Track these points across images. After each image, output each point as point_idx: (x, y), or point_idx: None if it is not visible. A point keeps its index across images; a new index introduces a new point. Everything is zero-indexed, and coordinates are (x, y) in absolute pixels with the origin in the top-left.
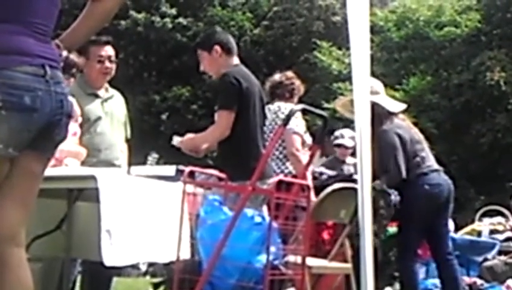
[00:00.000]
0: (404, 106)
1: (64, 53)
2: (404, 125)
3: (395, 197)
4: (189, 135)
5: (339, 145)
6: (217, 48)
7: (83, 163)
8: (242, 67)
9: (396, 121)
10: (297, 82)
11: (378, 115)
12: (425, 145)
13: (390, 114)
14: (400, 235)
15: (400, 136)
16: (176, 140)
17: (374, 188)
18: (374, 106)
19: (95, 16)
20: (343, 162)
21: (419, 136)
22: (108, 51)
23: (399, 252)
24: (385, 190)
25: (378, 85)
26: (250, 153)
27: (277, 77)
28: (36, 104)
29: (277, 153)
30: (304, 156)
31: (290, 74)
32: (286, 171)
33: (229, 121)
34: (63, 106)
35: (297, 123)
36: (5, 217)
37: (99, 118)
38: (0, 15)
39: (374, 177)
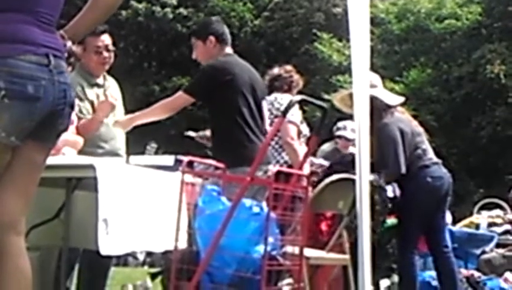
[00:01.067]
0: (402, 99)
1: (69, 43)
2: (404, 119)
3: (394, 189)
4: (129, 116)
5: (340, 137)
6: (212, 38)
7: (90, 154)
8: (233, 57)
9: (397, 114)
10: (296, 76)
11: (377, 108)
12: (424, 138)
13: (389, 107)
14: (400, 227)
15: (401, 130)
16: (191, 134)
17: (371, 183)
18: (372, 100)
19: (99, 8)
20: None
21: (419, 128)
22: (105, 40)
23: (399, 244)
24: (381, 185)
25: (375, 79)
26: (239, 140)
27: (276, 70)
28: (39, 93)
29: (273, 143)
30: (301, 146)
31: (289, 67)
32: (282, 161)
33: (182, 104)
34: (66, 95)
35: (293, 113)
36: (6, 205)
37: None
38: (6, 4)
39: (372, 170)
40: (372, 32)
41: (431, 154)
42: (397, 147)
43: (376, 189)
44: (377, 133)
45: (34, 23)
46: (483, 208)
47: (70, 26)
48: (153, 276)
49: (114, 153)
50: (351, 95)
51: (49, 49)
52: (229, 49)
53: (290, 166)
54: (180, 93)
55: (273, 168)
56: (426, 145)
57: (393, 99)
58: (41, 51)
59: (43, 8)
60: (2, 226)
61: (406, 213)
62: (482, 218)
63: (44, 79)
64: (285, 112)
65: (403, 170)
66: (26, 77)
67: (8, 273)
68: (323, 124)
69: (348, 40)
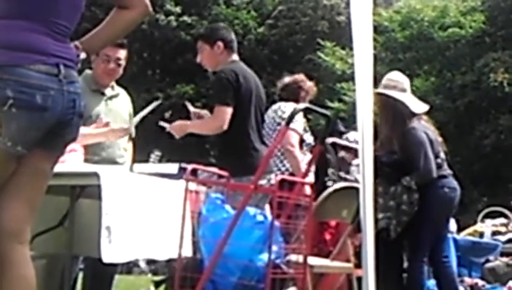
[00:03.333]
0: (427, 107)
1: (82, 55)
2: (429, 127)
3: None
4: (181, 122)
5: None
6: (220, 44)
7: (86, 161)
8: (240, 63)
9: (423, 122)
10: (307, 85)
11: (401, 114)
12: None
13: (414, 115)
14: (414, 235)
15: (428, 136)
16: (164, 125)
17: (401, 184)
18: (398, 104)
19: (118, 24)
20: (350, 164)
21: (440, 138)
22: (118, 53)
23: (410, 252)
24: (411, 187)
25: (406, 82)
26: (245, 149)
27: (286, 79)
28: (47, 104)
29: (275, 150)
30: (305, 155)
31: (299, 77)
32: (283, 168)
33: (227, 115)
34: (75, 105)
35: (296, 120)
36: (11, 214)
37: (99, 116)
38: (22, 12)
39: (376, 176)
40: (375, 40)
41: (446, 164)
42: (426, 150)
43: (404, 189)
44: (403, 137)
45: (47, 33)
46: (487, 216)
47: (86, 39)
48: (157, 284)
49: (112, 161)
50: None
51: (60, 58)
52: (235, 56)
53: (292, 174)
54: (217, 109)
55: (276, 177)
56: (443, 155)
57: (418, 106)
58: (52, 60)
59: (59, 20)
60: (7, 234)
61: (421, 221)
62: (486, 226)
63: (53, 89)
64: (289, 121)
65: (434, 174)
66: (34, 86)
67: (12, 281)
68: (327, 132)
69: (351, 48)
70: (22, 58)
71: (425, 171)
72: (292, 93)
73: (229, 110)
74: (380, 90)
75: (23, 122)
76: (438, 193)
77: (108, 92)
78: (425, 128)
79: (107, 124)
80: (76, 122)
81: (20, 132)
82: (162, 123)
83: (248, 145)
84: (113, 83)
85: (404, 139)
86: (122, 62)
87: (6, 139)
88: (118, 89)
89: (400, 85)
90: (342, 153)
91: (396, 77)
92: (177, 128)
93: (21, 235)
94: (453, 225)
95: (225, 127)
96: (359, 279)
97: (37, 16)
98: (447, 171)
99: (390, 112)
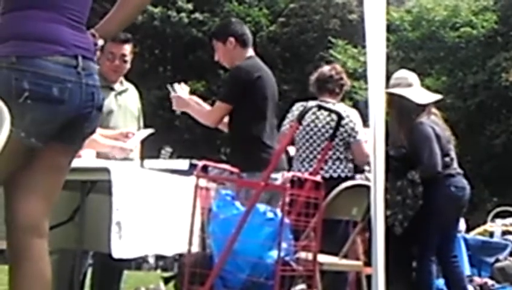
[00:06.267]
0: (435, 97)
1: (100, 42)
2: (439, 123)
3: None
4: (186, 97)
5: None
6: (232, 39)
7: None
8: (256, 59)
9: (433, 117)
10: (345, 76)
11: (407, 109)
12: (452, 146)
13: (420, 107)
14: (421, 234)
15: (435, 132)
16: (177, 88)
17: (407, 178)
18: (403, 100)
19: (128, 6)
20: None
21: (451, 136)
22: (123, 49)
23: (418, 250)
24: (415, 181)
25: (412, 77)
26: (259, 144)
27: (326, 69)
28: (64, 96)
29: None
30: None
31: (338, 67)
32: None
33: (222, 113)
34: (94, 98)
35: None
36: (29, 208)
37: (111, 112)
38: (33, 0)
39: (387, 173)
40: (387, 39)
41: (456, 163)
42: (432, 145)
43: (409, 183)
44: (411, 131)
45: (64, 21)
46: (497, 216)
47: (101, 25)
48: (166, 280)
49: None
50: (386, 94)
51: (79, 49)
52: (251, 51)
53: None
54: (217, 104)
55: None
56: (454, 154)
57: (423, 98)
58: (71, 51)
59: (73, 5)
60: (26, 229)
61: (428, 220)
62: (496, 226)
63: (70, 82)
64: (300, 118)
65: (439, 168)
66: (51, 79)
67: (30, 276)
68: (338, 129)
69: (363, 47)
70: (41, 49)
71: (429, 164)
72: (337, 86)
73: (227, 109)
74: (386, 90)
75: (38, 114)
76: (445, 192)
77: (117, 87)
78: (433, 124)
79: (127, 135)
80: (96, 116)
81: (35, 124)
82: (170, 87)
83: (262, 141)
84: (122, 78)
85: (411, 134)
86: (128, 58)
87: (20, 130)
88: (127, 84)
89: (404, 81)
90: None
91: (401, 74)
92: (180, 101)
93: (39, 229)
94: (461, 224)
95: (215, 124)
96: (368, 277)
97: (49, 2)
98: (456, 170)
99: (396, 109)
